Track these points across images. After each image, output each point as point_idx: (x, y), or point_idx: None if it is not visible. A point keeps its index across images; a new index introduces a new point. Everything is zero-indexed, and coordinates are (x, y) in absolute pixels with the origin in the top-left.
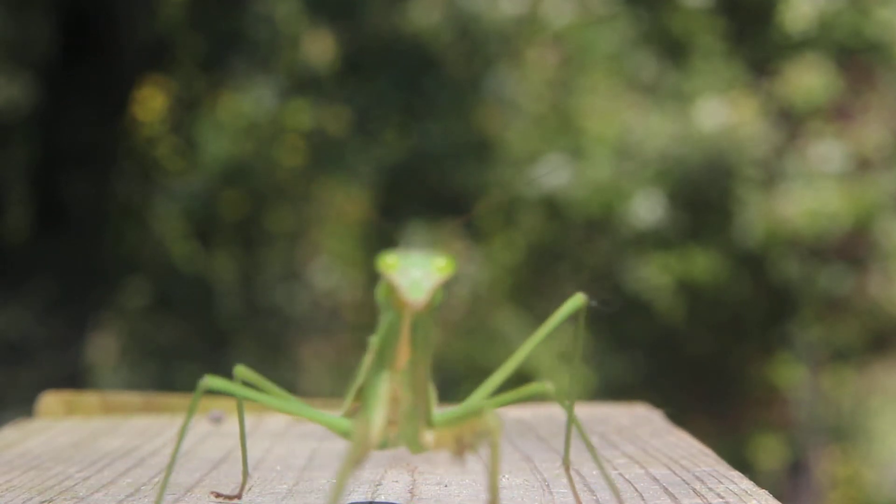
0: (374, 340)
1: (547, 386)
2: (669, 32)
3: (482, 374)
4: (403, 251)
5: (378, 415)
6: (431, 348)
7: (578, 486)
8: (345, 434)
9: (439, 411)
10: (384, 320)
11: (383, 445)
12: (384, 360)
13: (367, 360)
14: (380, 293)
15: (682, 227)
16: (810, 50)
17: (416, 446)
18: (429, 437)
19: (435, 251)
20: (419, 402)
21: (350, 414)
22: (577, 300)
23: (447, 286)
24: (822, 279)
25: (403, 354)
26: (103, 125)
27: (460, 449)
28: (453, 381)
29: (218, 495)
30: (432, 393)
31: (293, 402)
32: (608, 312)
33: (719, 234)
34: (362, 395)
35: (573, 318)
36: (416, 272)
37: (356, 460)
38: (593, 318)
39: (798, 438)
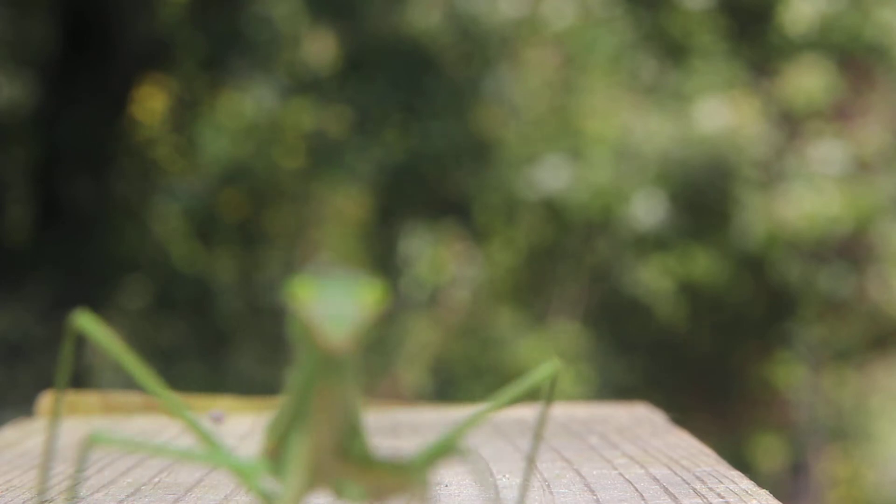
0: (292, 379)
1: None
2: (669, 33)
3: (481, 374)
4: (320, 276)
5: (296, 481)
6: (359, 391)
7: (579, 486)
8: (247, 480)
9: (380, 454)
10: (301, 359)
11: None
12: (303, 404)
13: (286, 399)
14: (293, 329)
15: (682, 228)
16: (810, 51)
17: (341, 496)
18: (354, 487)
19: (361, 276)
20: (344, 450)
21: (268, 454)
22: (551, 367)
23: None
24: (823, 280)
25: (324, 402)
26: (103, 125)
27: (384, 495)
28: (453, 381)
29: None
30: (364, 436)
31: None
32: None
33: (719, 236)
34: (281, 441)
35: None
36: (337, 305)
37: None
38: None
39: (798, 438)
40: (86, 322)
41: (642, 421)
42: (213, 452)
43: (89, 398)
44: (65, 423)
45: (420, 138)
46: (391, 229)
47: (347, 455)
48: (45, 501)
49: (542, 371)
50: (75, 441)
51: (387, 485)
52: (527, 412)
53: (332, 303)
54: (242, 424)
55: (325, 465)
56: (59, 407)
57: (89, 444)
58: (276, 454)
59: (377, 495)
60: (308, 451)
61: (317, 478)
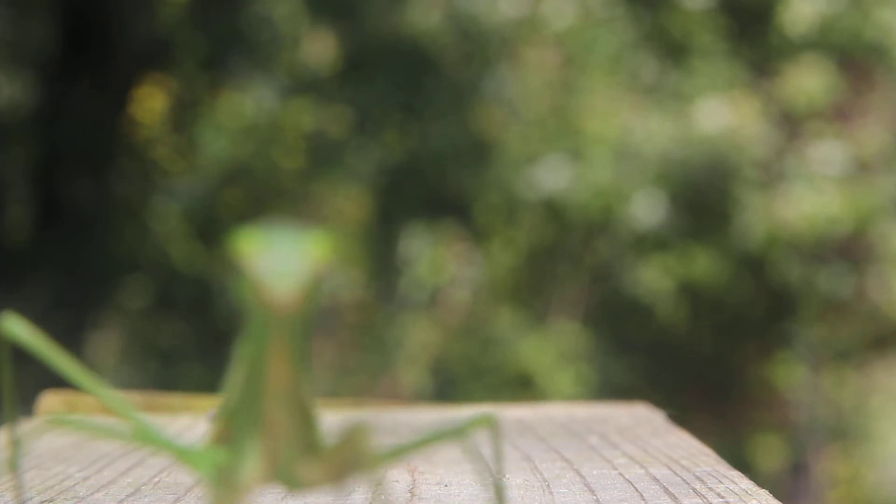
0: (240, 350)
1: (490, 420)
2: (669, 33)
3: (482, 374)
4: (265, 229)
5: (249, 456)
6: (309, 358)
7: (579, 486)
8: (196, 466)
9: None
10: (249, 325)
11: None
12: (253, 378)
13: (235, 375)
14: (238, 289)
15: (682, 228)
16: (811, 51)
17: (295, 482)
18: (311, 469)
19: (310, 228)
20: (299, 428)
21: (217, 439)
22: (486, 422)
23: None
24: (823, 281)
25: (277, 371)
26: (103, 125)
27: (340, 474)
28: (453, 382)
29: None
30: (315, 413)
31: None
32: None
33: (720, 236)
34: (231, 422)
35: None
36: (282, 258)
37: None
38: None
39: (798, 438)
40: (11, 327)
41: (642, 421)
42: (160, 441)
43: (89, 398)
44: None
45: (420, 138)
46: (391, 229)
47: (303, 439)
48: (46, 501)
49: (476, 423)
50: (75, 441)
51: (337, 468)
52: (527, 412)
53: (277, 256)
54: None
55: (280, 448)
56: (16, 436)
57: (45, 427)
58: (225, 437)
59: (328, 479)
60: (261, 431)
61: (270, 463)
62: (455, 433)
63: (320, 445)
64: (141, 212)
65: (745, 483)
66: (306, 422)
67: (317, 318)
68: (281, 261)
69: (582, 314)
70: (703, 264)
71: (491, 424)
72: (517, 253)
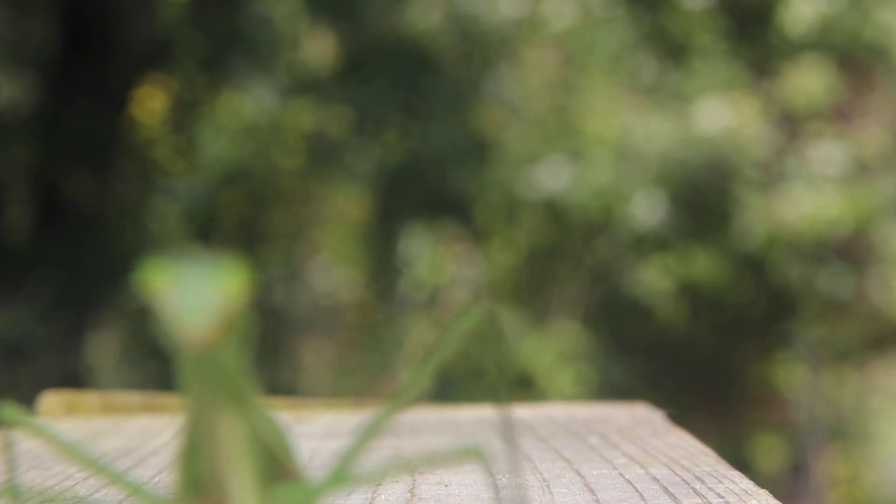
0: (181, 392)
1: (477, 452)
2: (669, 33)
3: (482, 375)
4: (173, 260)
5: None
6: (252, 396)
7: (579, 486)
8: None
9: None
10: (179, 365)
11: None
12: (190, 421)
13: (184, 420)
14: (157, 325)
15: (682, 228)
16: (811, 52)
17: None
18: None
19: (222, 258)
20: (244, 479)
21: (177, 486)
22: (478, 311)
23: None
24: (823, 281)
25: (208, 412)
26: (103, 125)
27: None
28: (453, 382)
29: None
30: (279, 446)
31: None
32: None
33: (720, 236)
34: (182, 472)
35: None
36: (191, 293)
37: None
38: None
39: (798, 438)
40: (11, 414)
41: (642, 421)
42: (130, 486)
43: (89, 398)
44: (65, 424)
45: (420, 138)
46: (391, 229)
47: (248, 489)
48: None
49: (471, 315)
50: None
51: None
52: (527, 412)
53: (186, 292)
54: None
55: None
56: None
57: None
58: (179, 488)
59: None
60: (200, 485)
61: None
62: (442, 459)
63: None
64: (141, 212)
65: (745, 483)
66: (258, 465)
67: (248, 353)
68: (190, 296)
69: (582, 314)
70: (703, 264)
71: (478, 457)
72: (517, 253)
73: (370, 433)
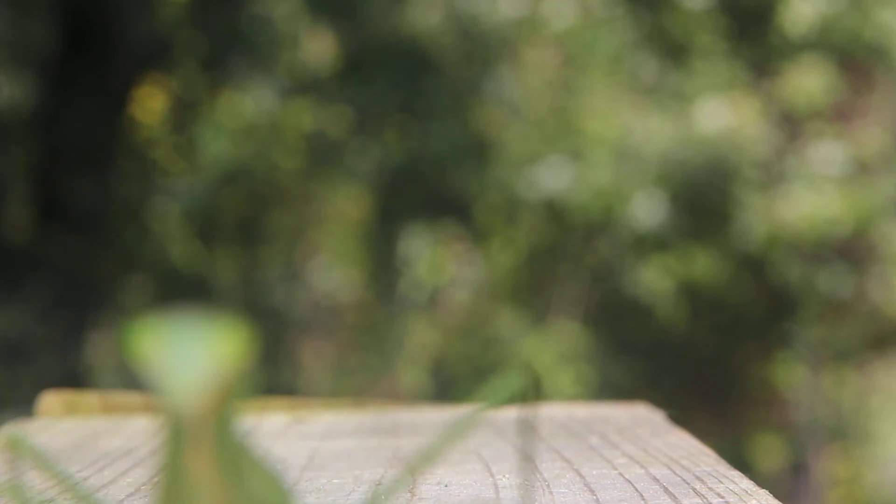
0: (162, 461)
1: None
2: (670, 33)
3: (482, 375)
4: (164, 322)
5: None
6: (247, 466)
7: (579, 486)
8: None
9: None
10: (166, 432)
11: None
12: (175, 494)
13: (161, 490)
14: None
15: (682, 228)
16: (811, 52)
17: None
18: None
19: (217, 320)
20: None
21: None
22: (520, 378)
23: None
24: (823, 281)
25: (201, 485)
26: (103, 125)
27: None
28: (453, 382)
29: None
30: None
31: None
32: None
33: (720, 236)
34: None
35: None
36: (183, 359)
37: None
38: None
39: (798, 438)
40: (15, 441)
41: (642, 421)
42: None
43: (89, 398)
44: (65, 423)
45: (420, 139)
46: (391, 230)
47: None
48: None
49: (510, 383)
50: (75, 441)
51: None
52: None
53: (177, 358)
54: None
55: None
56: None
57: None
58: None
59: None
60: None
61: None
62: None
63: None
64: (141, 212)
65: (745, 483)
66: None
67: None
68: (182, 364)
69: (582, 314)
70: (704, 264)
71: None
72: (517, 253)
73: (395, 488)
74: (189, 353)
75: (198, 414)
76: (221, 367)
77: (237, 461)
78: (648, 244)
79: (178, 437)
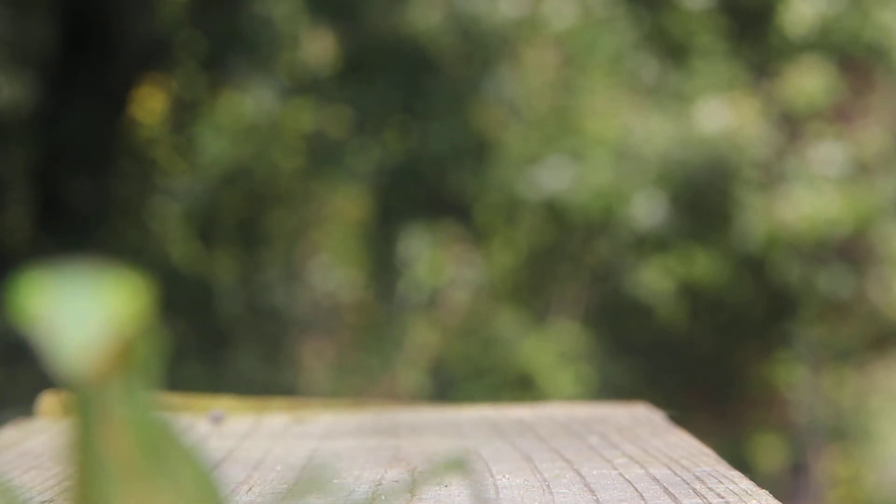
0: (70, 429)
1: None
2: (670, 33)
3: (482, 375)
4: (54, 280)
5: None
6: (168, 442)
7: (579, 486)
8: None
9: None
10: (71, 397)
11: None
12: (90, 462)
13: (73, 461)
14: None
15: (682, 228)
16: (811, 52)
17: None
18: None
19: (109, 273)
20: None
21: None
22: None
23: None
24: (823, 281)
25: (115, 452)
26: (103, 125)
27: None
28: (453, 382)
29: None
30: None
31: None
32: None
33: (720, 236)
34: None
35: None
36: (70, 319)
37: None
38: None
39: (798, 438)
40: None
41: (642, 421)
42: None
43: None
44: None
45: (420, 139)
46: (391, 230)
47: None
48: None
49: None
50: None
51: None
52: (527, 412)
53: (65, 313)
54: (242, 424)
55: None
56: None
57: None
58: None
59: None
60: None
61: None
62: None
63: None
64: (141, 212)
65: (745, 483)
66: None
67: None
68: (70, 322)
69: (582, 314)
70: (704, 265)
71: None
72: (517, 253)
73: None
74: (77, 309)
75: (93, 378)
76: (115, 324)
77: (160, 445)
78: (648, 244)
79: (86, 411)
